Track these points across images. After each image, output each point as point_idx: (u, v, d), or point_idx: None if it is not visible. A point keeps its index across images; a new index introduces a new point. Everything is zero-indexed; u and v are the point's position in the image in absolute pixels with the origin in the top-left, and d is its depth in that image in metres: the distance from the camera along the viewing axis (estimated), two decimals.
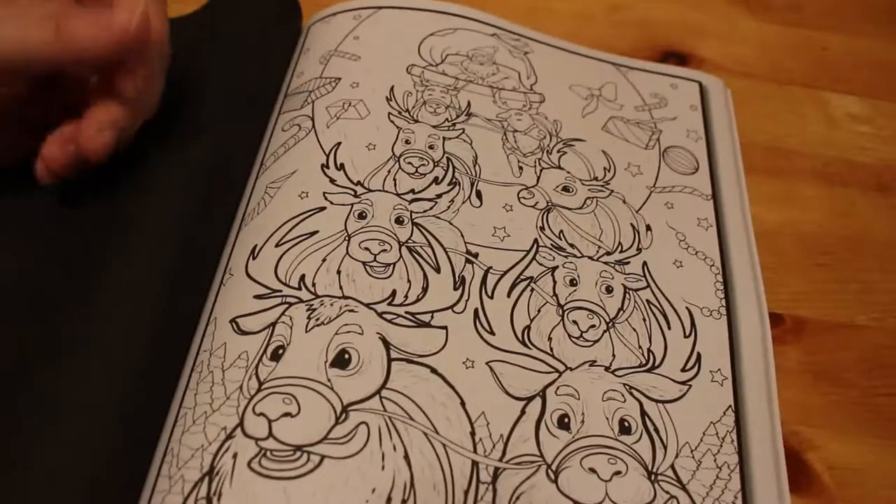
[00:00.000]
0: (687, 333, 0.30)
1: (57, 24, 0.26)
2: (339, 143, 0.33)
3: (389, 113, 0.34)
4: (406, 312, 0.28)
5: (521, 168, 0.34)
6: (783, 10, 0.47)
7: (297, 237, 0.29)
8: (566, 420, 0.26)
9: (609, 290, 0.30)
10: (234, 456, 0.23)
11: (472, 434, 0.25)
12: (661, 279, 0.31)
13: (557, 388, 0.27)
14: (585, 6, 0.45)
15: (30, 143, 0.31)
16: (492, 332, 0.28)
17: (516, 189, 0.33)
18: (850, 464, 0.29)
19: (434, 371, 0.26)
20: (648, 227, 0.33)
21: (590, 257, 0.31)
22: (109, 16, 0.27)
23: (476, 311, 0.29)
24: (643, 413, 0.27)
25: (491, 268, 0.30)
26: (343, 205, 0.30)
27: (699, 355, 0.29)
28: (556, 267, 0.31)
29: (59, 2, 0.27)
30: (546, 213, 0.33)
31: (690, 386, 0.28)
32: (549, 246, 0.31)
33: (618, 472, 0.25)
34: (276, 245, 0.29)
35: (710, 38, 0.44)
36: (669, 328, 0.30)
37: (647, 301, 0.30)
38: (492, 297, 0.29)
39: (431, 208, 0.31)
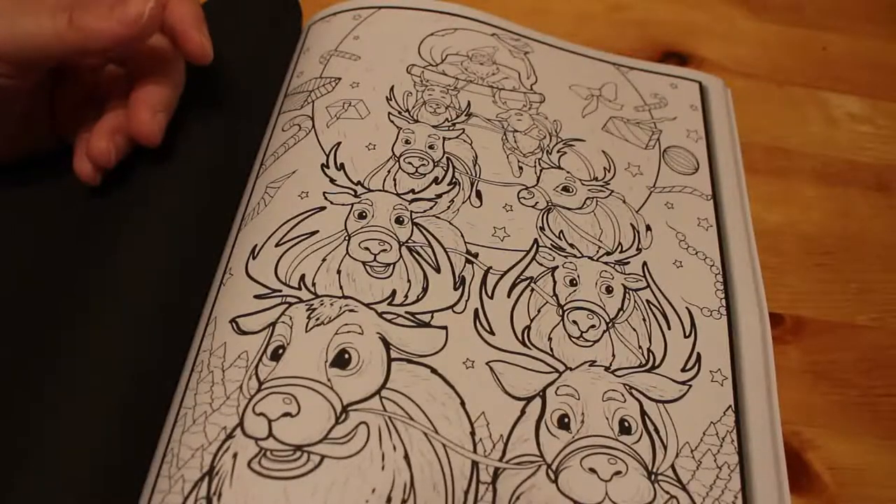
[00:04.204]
0: (687, 333, 0.30)
1: (70, 15, 0.26)
2: (338, 143, 0.33)
3: (389, 113, 0.34)
4: (406, 312, 0.28)
5: (521, 168, 0.34)
6: (783, 9, 0.47)
7: (297, 237, 0.29)
8: (566, 420, 0.26)
9: (609, 290, 0.30)
10: (234, 456, 0.23)
11: (472, 434, 0.25)
12: (661, 279, 0.31)
13: (557, 388, 0.27)
14: (585, 6, 0.45)
15: (30, 139, 0.31)
16: (492, 332, 0.28)
17: (516, 189, 0.33)
18: (850, 464, 0.29)
19: (434, 371, 0.26)
20: (648, 227, 0.33)
21: (590, 257, 0.31)
22: (122, 6, 0.27)
23: (476, 311, 0.29)
24: (643, 413, 0.27)
25: (491, 268, 0.30)
26: (343, 205, 0.30)
27: (699, 355, 0.29)
28: (556, 267, 0.31)
29: None
30: (546, 213, 0.33)
31: (690, 386, 0.28)
32: (549, 246, 0.31)
33: (618, 472, 0.25)
34: (276, 245, 0.29)
35: (710, 38, 0.44)
36: (669, 328, 0.30)
37: (647, 301, 0.30)
38: (492, 298, 0.29)
39: (431, 208, 0.31)
